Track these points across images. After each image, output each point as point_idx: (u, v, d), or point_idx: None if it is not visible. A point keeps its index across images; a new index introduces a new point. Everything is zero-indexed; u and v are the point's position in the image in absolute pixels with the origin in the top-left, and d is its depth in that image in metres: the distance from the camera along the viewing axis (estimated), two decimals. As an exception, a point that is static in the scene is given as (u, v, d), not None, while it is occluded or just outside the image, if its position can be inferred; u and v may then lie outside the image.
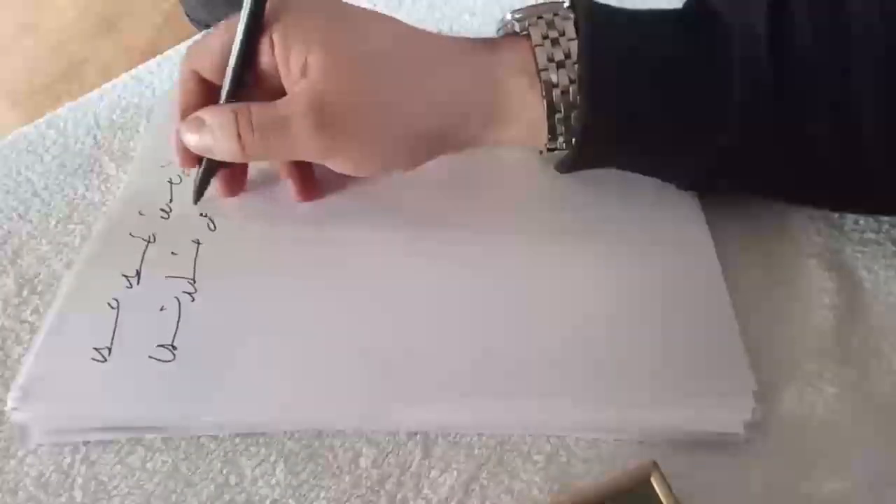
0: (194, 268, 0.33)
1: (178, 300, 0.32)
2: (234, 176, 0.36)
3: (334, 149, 0.31)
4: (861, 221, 0.35)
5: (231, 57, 0.31)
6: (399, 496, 0.28)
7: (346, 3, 0.32)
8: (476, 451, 0.29)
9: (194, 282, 0.33)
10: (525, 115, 0.32)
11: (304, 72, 0.30)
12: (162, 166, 0.38)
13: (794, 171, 0.31)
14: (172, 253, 0.34)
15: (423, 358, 0.30)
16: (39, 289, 0.35)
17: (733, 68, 0.29)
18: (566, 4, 0.31)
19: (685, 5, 0.33)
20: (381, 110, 0.31)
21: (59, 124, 0.43)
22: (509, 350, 0.30)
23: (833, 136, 0.29)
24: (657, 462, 0.25)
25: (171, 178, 0.38)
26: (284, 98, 0.31)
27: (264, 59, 0.31)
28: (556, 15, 0.31)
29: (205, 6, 0.98)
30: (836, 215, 0.35)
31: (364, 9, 0.32)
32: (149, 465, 0.29)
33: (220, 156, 0.32)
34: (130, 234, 0.35)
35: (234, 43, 0.31)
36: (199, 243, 0.35)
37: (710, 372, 0.29)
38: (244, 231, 0.35)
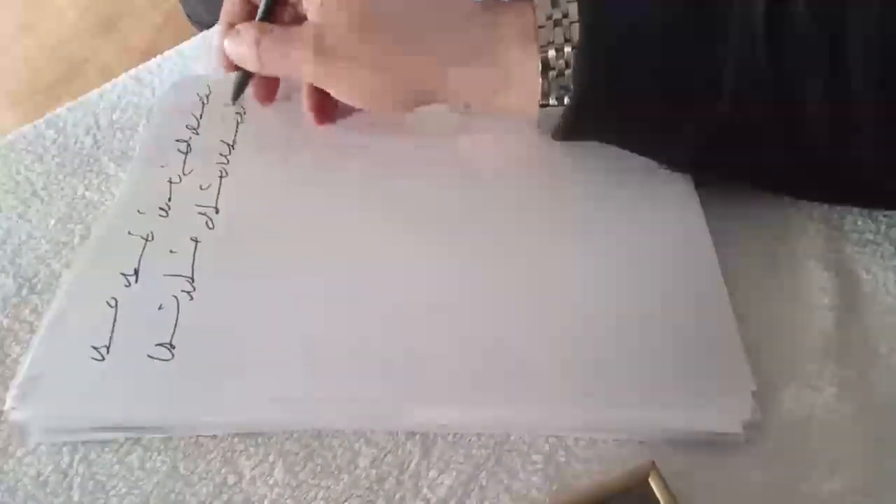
0: (193, 266, 0.33)
1: (177, 299, 0.32)
2: (267, 83, 0.41)
3: (329, 77, 0.35)
4: (860, 222, 0.35)
5: None
6: (398, 496, 0.28)
7: None
8: (475, 451, 0.29)
9: (193, 280, 0.33)
10: (520, 78, 0.33)
11: (320, 3, 0.34)
12: (161, 165, 0.38)
13: (784, 154, 0.31)
14: (171, 251, 0.34)
15: (422, 358, 0.30)
16: (39, 288, 0.35)
17: (729, 43, 0.30)
18: None
19: None
20: (377, 60, 0.34)
21: (58, 124, 0.43)
22: (507, 350, 0.30)
23: (824, 117, 0.29)
24: (655, 462, 0.25)
25: (170, 178, 0.38)
26: (297, 25, 0.35)
27: None
28: None
29: (205, 6, 0.98)
30: (836, 216, 0.35)
31: None
32: (147, 464, 0.29)
33: (243, 64, 0.37)
34: (129, 233, 0.35)
35: None
36: (197, 241, 0.35)
37: (709, 372, 0.29)
38: (242, 230, 0.35)
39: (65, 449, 0.30)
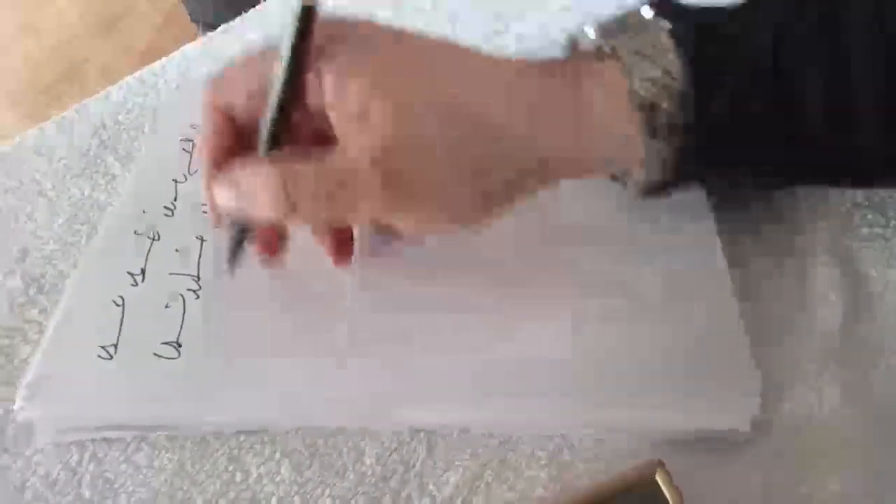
0: (199, 265, 0.34)
1: (183, 298, 0.32)
2: (276, 232, 0.31)
3: (401, 207, 0.27)
4: (869, 216, 0.34)
5: (270, 97, 0.26)
6: (403, 494, 0.28)
7: (405, 32, 0.28)
8: (480, 450, 0.29)
9: (199, 279, 0.33)
10: (618, 145, 0.28)
11: (360, 118, 0.25)
12: (167, 165, 0.39)
13: (784, 146, 0.29)
14: (177, 250, 0.34)
15: (428, 357, 0.30)
16: (46, 288, 0.35)
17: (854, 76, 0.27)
18: (647, 12, 0.28)
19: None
20: (456, 162, 0.26)
21: (65, 125, 0.44)
22: (514, 349, 0.30)
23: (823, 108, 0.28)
24: (662, 461, 0.25)
25: (175, 177, 0.38)
26: (339, 150, 0.26)
27: (311, 100, 0.27)
28: (647, 27, 0.28)
29: (207, 6, 0.98)
30: (844, 212, 0.35)
31: (425, 36, 0.28)
32: (155, 462, 0.29)
33: (263, 219, 0.28)
34: (135, 233, 0.35)
35: (276, 81, 0.26)
36: (203, 240, 0.35)
37: (715, 370, 0.29)
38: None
39: (73, 447, 0.30)
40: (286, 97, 0.26)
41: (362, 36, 0.27)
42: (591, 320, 0.31)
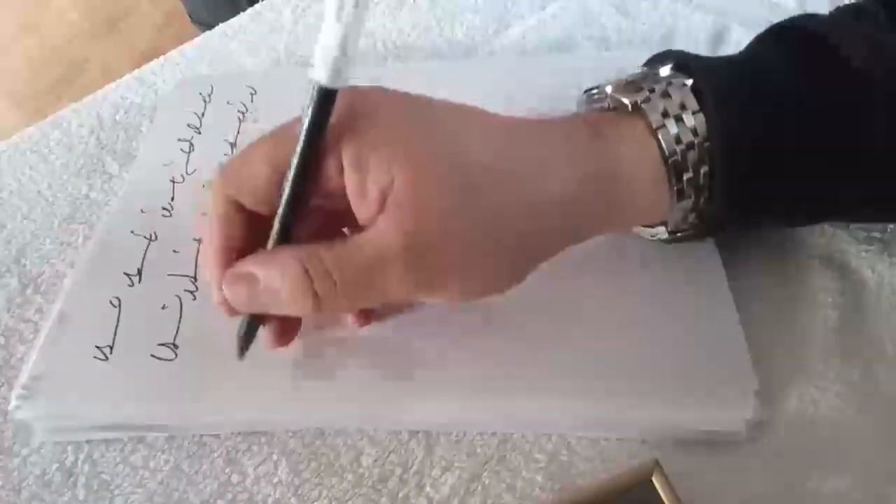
0: (196, 266, 0.34)
1: (180, 298, 0.32)
2: (290, 321, 0.29)
3: (432, 286, 0.26)
4: (865, 219, 0.35)
5: (285, 186, 0.25)
6: (401, 495, 0.28)
7: (424, 101, 0.26)
8: (478, 450, 0.29)
9: (196, 280, 0.33)
10: (646, 205, 0.28)
11: (384, 201, 0.24)
12: (164, 165, 0.39)
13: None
14: (174, 251, 0.34)
15: (426, 356, 0.30)
16: (43, 288, 0.35)
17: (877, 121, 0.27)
18: (667, 70, 0.28)
19: (773, 35, 0.30)
20: (486, 237, 0.25)
21: (62, 125, 0.44)
22: (511, 349, 0.30)
23: None
24: (659, 461, 0.25)
25: (172, 177, 0.38)
26: (364, 236, 0.24)
27: (329, 183, 0.25)
28: (669, 84, 0.27)
29: (207, 6, 0.98)
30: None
31: (444, 103, 0.27)
32: (151, 463, 0.29)
33: (284, 312, 0.27)
34: (132, 233, 0.35)
35: (291, 169, 0.24)
36: (200, 241, 0.35)
37: (712, 371, 0.29)
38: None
39: (69, 448, 0.30)
40: (303, 185, 0.25)
41: (376, 107, 0.25)
42: (588, 321, 0.31)
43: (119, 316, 0.32)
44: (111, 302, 0.32)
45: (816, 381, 0.30)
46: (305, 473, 0.29)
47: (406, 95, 0.26)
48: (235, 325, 0.31)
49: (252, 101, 0.42)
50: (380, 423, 0.30)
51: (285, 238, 0.26)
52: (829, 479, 0.27)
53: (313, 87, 0.23)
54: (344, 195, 0.25)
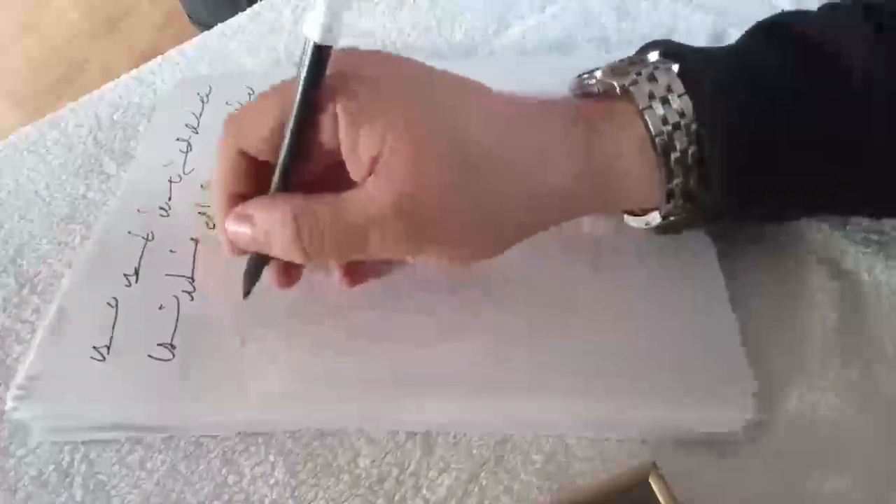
0: (193, 266, 0.33)
1: (177, 299, 0.32)
2: (293, 266, 0.31)
3: (422, 249, 0.27)
4: (864, 222, 0.35)
5: (285, 135, 0.26)
6: (398, 496, 0.28)
7: (423, 67, 0.27)
8: (475, 451, 0.29)
9: (193, 280, 0.33)
10: (637, 187, 0.28)
11: (377, 160, 0.25)
12: (162, 165, 0.38)
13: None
14: (171, 251, 0.34)
15: (424, 357, 0.30)
16: (40, 288, 0.35)
17: (872, 118, 0.27)
18: (655, 56, 0.29)
19: (763, 31, 0.30)
20: (476, 204, 0.26)
21: (60, 124, 0.43)
22: (509, 350, 0.30)
23: None
24: (656, 462, 0.25)
25: (170, 177, 0.38)
26: (358, 194, 0.25)
27: (325, 136, 0.26)
28: (655, 69, 0.28)
29: (206, 6, 0.98)
30: (839, 216, 0.35)
31: (446, 76, 0.28)
32: (148, 464, 0.29)
33: (277, 255, 0.28)
34: (129, 233, 0.35)
35: (289, 119, 0.26)
36: (197, 241, 0.35)
37: (709, 373, 0.29)
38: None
39: (66, 448, 0.30)
40: (299, 137, 0.26)
41: (378, 73, 0.26)
42: (586, 322, 0.31)
43: (116, 316, 0.32)
44: (108, 302, 0.32)
45: (815, 381, 0.30)
46: (302, 474, 0.29)
47: (408, 62, 0.27)
48: (233, 326, 0.31)
49: (250, 100, 0.42)
50: (377, 423, 0.30)
51: (285, 186, 0.27)
52: (828, 480, 0.27)
53: (306, 44, 0.25)
54: (339, 156, 0.26)
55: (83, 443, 0.30)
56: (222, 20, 0.51)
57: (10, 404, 0.29)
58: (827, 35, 0.28)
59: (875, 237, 0.34)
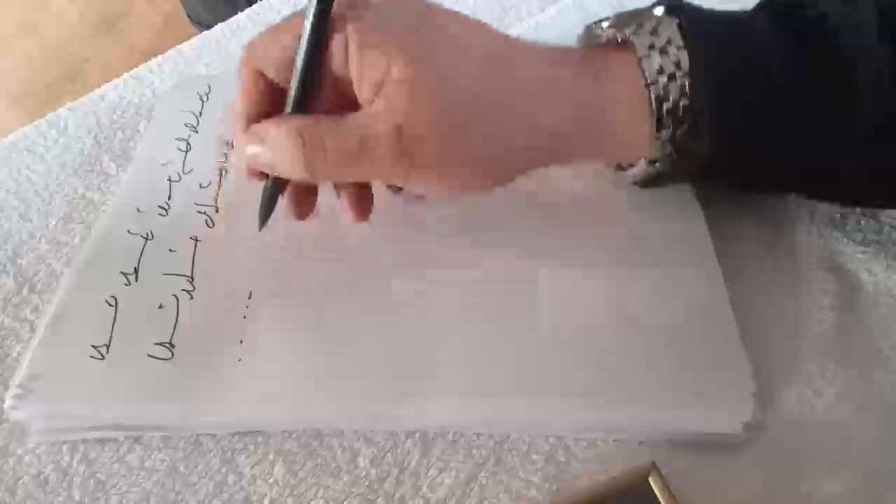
0: (192, 265, 0.33)
1: (177, 298, 0.32)
2: (306, 194, 0.33)
3: (416, 175, 0.28)
4: (862, 222, 0.35)
5: (297, 58, 0.28)
6: (397, 495, 0.28)
7: (431, 3, 0.29)
8: (475, 451, 0.29)
9: (192, 279, 0.33)
10: (629, 134, 0.30)
11: (381, 85, 0.26)
12: (162, 164, 0.38)
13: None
14: (171, 250, 0.34)
15: (423, 357, 0.30)
16: (39, 287, 0.35)
17: (860, 98, 0.28)
18: (660, 11, 0.29)
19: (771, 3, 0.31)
20: (471, 138, 0.27)
21: (59, 124, 0.43)
22: (508, 350, 0.30)
23: None
24: (656, 463, 0.25)
25: (170, 176, 0.38)
26: (360, 116, 0.27)
27: (336, 62, 0.28)
28: (659, 22, 0.29)
29: (205, 6, 0.98)
30: (838, 216, 0.35)
31: (449, 11, 0.29)
32: (147, 463, 0.29)
33: (281, 173, 0.29)
34: (129, 232, 0.35)
35: (301, 43, 0.27)
36: (197, 241, 0.35)
37: (709, 373, 0.29)
38: (242, 228, 0.35)
39: (65, 448, 0.30)
40: (311, 61, 0.27)
41: (386, 2, 0.28)
42: (586, 322, 0.31)
43: (115, 315, 0.31)
44: (107, 301, 0.32)
45: (814, 382, 0.30)
46: (301, 473, 0.29)
47: None
48: (232, 325, 0.31)
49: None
50: (377, 424, 0.30)
51: (298, 108, 0.28)
52: (826, 481, 0.27)
53: None
54: (349, 81, 0.28)
55: (82, 442, 0.30)
56: (221, 20, 0.51)
57: (9, 403, 0.29)
58: (833, 22, 0.29)
59: (875, 237, 0.34)
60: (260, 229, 0.32)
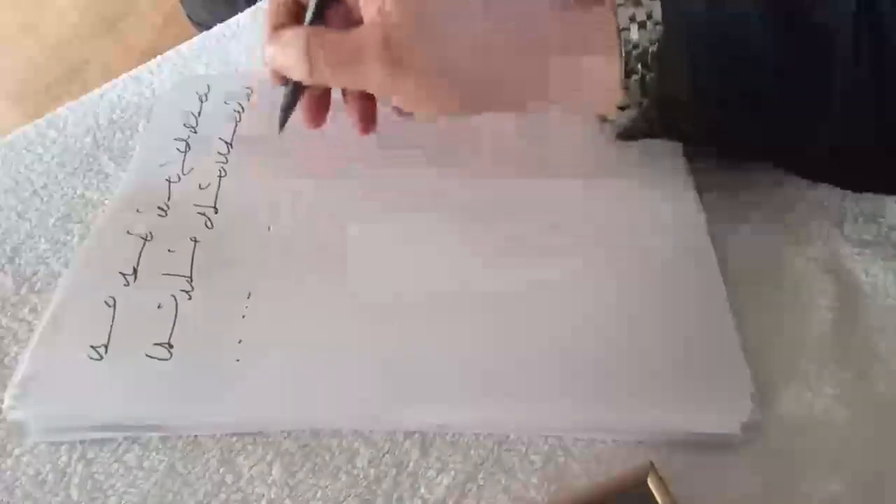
0: (191, 266, 0.33)
1: (175, 298, 0.32)
2: (318, 104, 0.37)
3: (398, 86, 0.32)
4: (860, 222, 0.35)
5: None
6: (395, 496, 0.28)
7: None
8: (473, 452, 0.29)
9: (191, 280, 0.33)
10: (601, 79, 0.31)
11: (381, 9, 0.30)
12: (161, 165, 0.38)
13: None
14: (169, 251, 0.34)
15: (422, 358, 0.30)
16: (38, 287, 0.35)
17: (831, 72, 0.28)
18: None
19: None
20: (451, 56, 0.31)
21: (58, 124, 0.43)
22: (507, 350, 0.30)
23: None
24: (654, 463, 0.25)
25: (169, 177, 0.38)
26: (358, 30, 0.31)
27: None
28: None
29: (205, 6, 0.98)
30: (836, 216, 0.35)
31: None
32: (145, 463, 0.29)
33: (290, 74, 0.33)
34: (128, 232, 0.35)
35: None
36: (196, 241, 0.35)
37: (707, 374, 0.29)
38: (241, 229, 0.35)
39: (63, 448, 0.30)
40: None
41: None
42: (583, 323, 0.31)
43: (114, 315, 0.31)
44: (106, 301, 0.32)
45: (811, 383, 0.30)
46: (300, 474, 0.29)
47: None
48: (231, 325, 0.31)
49: (249, 100, 0.42)
50: (375, 424, 0.29)
51: (314, 21, 0.34)
52: (824, 481, 0.27)
53: None
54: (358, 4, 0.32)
55: (80, 442, 0.30)
56: (221, 21, 0.51)
57: (7, 403, 0.29)
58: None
59: (873, 237, 0.34)
60: (280, 131, 0.36)
